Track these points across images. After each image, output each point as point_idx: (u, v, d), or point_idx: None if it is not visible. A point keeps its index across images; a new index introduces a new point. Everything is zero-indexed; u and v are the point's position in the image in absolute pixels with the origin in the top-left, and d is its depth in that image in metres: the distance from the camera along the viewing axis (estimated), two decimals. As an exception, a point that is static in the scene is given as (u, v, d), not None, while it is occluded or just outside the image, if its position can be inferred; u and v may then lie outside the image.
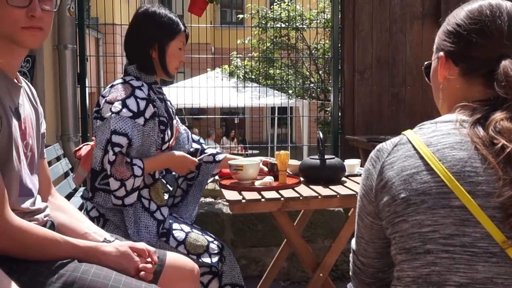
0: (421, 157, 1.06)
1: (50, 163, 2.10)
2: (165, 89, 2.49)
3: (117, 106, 2.04)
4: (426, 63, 1.30)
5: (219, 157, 2.42)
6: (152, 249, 1.57)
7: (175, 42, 2.20)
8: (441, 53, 1.19)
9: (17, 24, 1.37)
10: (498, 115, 1.05)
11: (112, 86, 2.14)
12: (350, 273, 1.33)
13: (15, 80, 1.47)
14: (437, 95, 1.24)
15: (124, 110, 2.04)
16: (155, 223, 2.09)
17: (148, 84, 2.19)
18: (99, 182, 2.08)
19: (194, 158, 2.27)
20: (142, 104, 2.08)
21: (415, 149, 1.08)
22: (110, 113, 2.04)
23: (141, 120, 2.06)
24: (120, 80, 2.16)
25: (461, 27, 1.14)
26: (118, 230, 2.07)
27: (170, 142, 2.26)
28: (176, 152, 2.26)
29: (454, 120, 1.10)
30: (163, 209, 2.15)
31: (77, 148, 2.27)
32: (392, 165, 1.10)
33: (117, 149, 2.01)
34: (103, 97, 2.13)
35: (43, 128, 1.63)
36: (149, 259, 1.53)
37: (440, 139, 1.07)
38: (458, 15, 1.17)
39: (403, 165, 1.08)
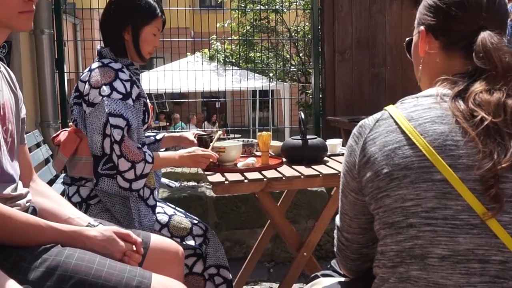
0: (403, 132, 1.07)
1: (30, 150, 2.06)
2: (145, 74, 2.46)
3: (105, 89, 2.02)
4: (407, 39, 1.32)
5: (159, 136, 2.48)
6: (138, 239, 1.55)
7: (149, 27, 2.17)
8: (422, 27, 1.20)
9: (14, 9, 1.35)
10: (477, 87, 1.06)
11: (91, 70, 2.10)
12: (335, 249, 1.34)
13: None
14: (418, 69, 1.25)
15: (114, 92, 2.02)
16: (150, 210, 2.09)
17: (126, 66, 2.17)
18: (101, 167, 2.03)
19: (205, 150, 2.20)
20: (128, 85, 2.07)
21: (396, 124, 1.09)
22: (100, 97, 2.01)
23: (130, 101, 2.06)
24: (98, 64, 2.12)
25: (441, 1, 1.16)
26: (102, 215, 2.05)
27: (149, 122, 2.25)
28: (185, 150, 2.20)
29: (435, 94, 1.10)
30: (154, 192, 2.14)
31: (54, 135, 2.24)
32: (374, 141, 1.10)
33: (118, 130, 1.99)
34: (83, 81, 2.09)
35: (23, 113, 1.61)
36: (135, 252, 1.52)
37: (421, 113, 1.08)
38: None
39: (385, 140, 1.09)
